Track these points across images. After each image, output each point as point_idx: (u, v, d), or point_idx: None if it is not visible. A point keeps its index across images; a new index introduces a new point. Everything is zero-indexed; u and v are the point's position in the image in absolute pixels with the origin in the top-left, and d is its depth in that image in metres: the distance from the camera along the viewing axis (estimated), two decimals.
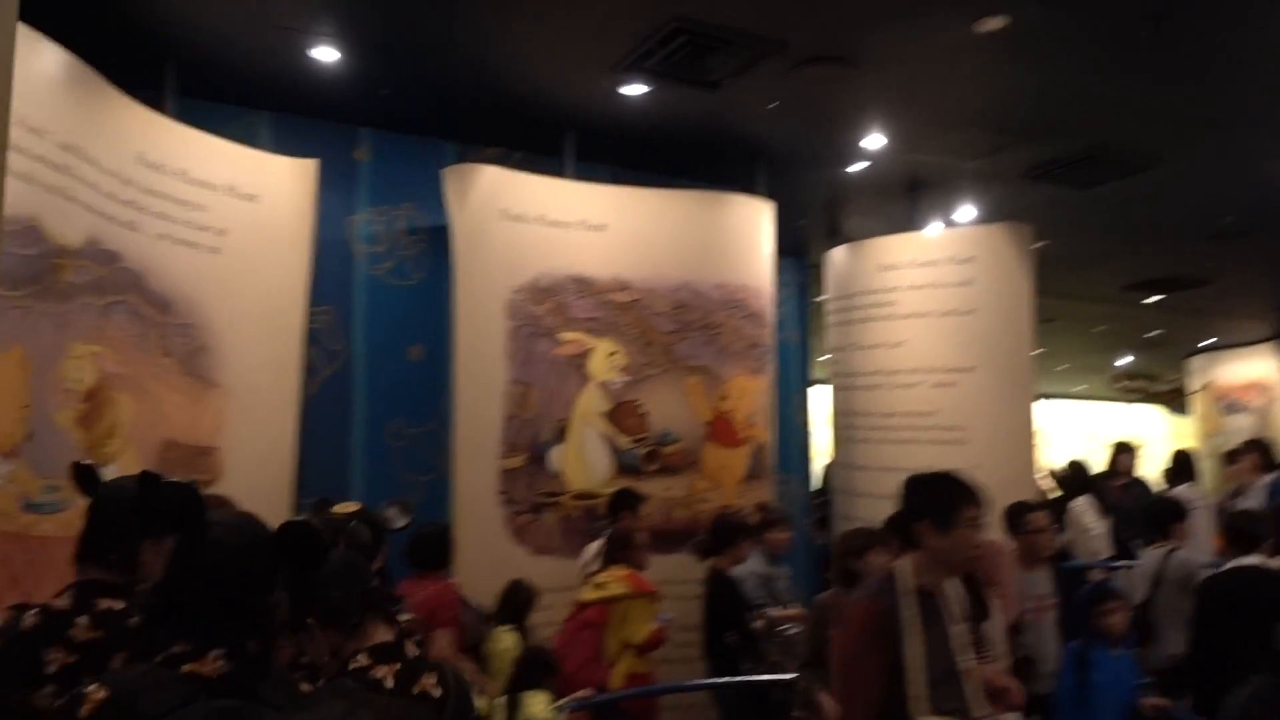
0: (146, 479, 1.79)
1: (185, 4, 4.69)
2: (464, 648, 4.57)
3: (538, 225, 5.85)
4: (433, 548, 4.61)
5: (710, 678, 5.13)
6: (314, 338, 5.71)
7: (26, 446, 4.00)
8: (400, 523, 2.79)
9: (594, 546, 5.35)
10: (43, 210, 4.08)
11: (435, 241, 6.04)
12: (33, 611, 2.17)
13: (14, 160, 3.90)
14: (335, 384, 5.85)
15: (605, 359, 5.98)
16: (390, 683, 1.90)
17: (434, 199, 5.78)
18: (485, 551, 5.48)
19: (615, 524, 5.39)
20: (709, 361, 6.32)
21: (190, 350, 5.04)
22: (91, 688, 1.55)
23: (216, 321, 5.16)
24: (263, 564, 1.66)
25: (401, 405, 5.98)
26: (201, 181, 5.11)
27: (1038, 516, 5.00)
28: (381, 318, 6.03)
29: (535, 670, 4.28)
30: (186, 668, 1.56)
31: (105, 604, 2.16)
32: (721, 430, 6.35)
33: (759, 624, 5.00)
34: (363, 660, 1.94)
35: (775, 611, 5.08)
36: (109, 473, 4.53)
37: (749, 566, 5.31)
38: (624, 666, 4.84)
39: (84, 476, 2.26)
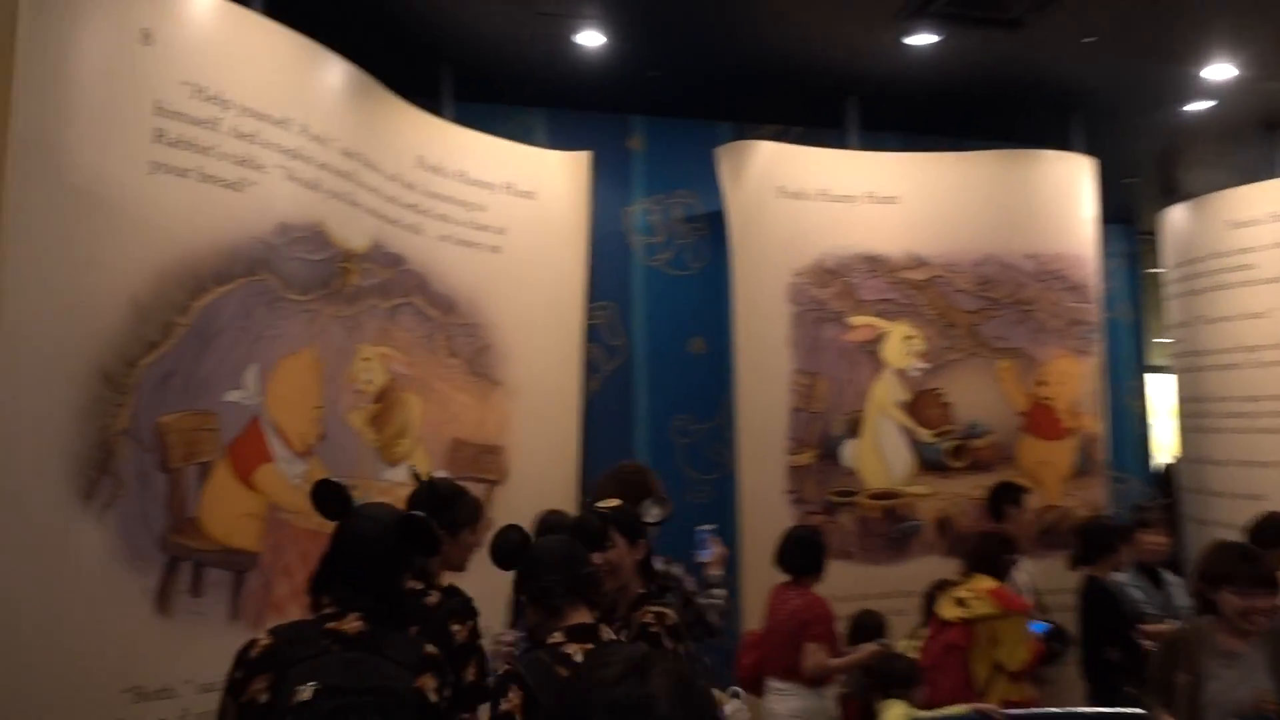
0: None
1: (456, 7, 4.69)
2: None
3: (820, 202, 5.40)
4: (803, 553, 4.31)
5: (1090, 700, 4.44)
6: (594, 334, 5.61)
7: (320, 446, 4.11)
8: (653, 516, 2.76)
9: None
10: (328, 216, 4.19)
11: (714, 228, 5.76)
12: None
13: (299, 168, 4.02)
14: (616, 380, 5.71)
15: (901, 344, 5.43)
16: (579, 659, 2.03)
17: (711, 184, 5.50)
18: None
19: (998, 522, 4.90)
20: (1022, 342, 5.58)
21: (475, 350, 5.07)
22: (262, 636, 2.05)
23: (499, 321, 5.16)
24: (386, 548, 2.08)
25: (684, 401, 5.74)
26: (480, 181, 5.13)
27: None
28: (661, 310, 5.82)
29: (892, 679, 3.91)
30: (329, 625, 2.01)
31: (410, 584, 2.54)
32: (1041, 420, 5.58)
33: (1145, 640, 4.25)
34: (558, 637, 2.11)
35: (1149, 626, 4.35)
36: (400, 470, 4.66)
37: (1124, 575, 4.63)
38: (996, 693, 4.23)
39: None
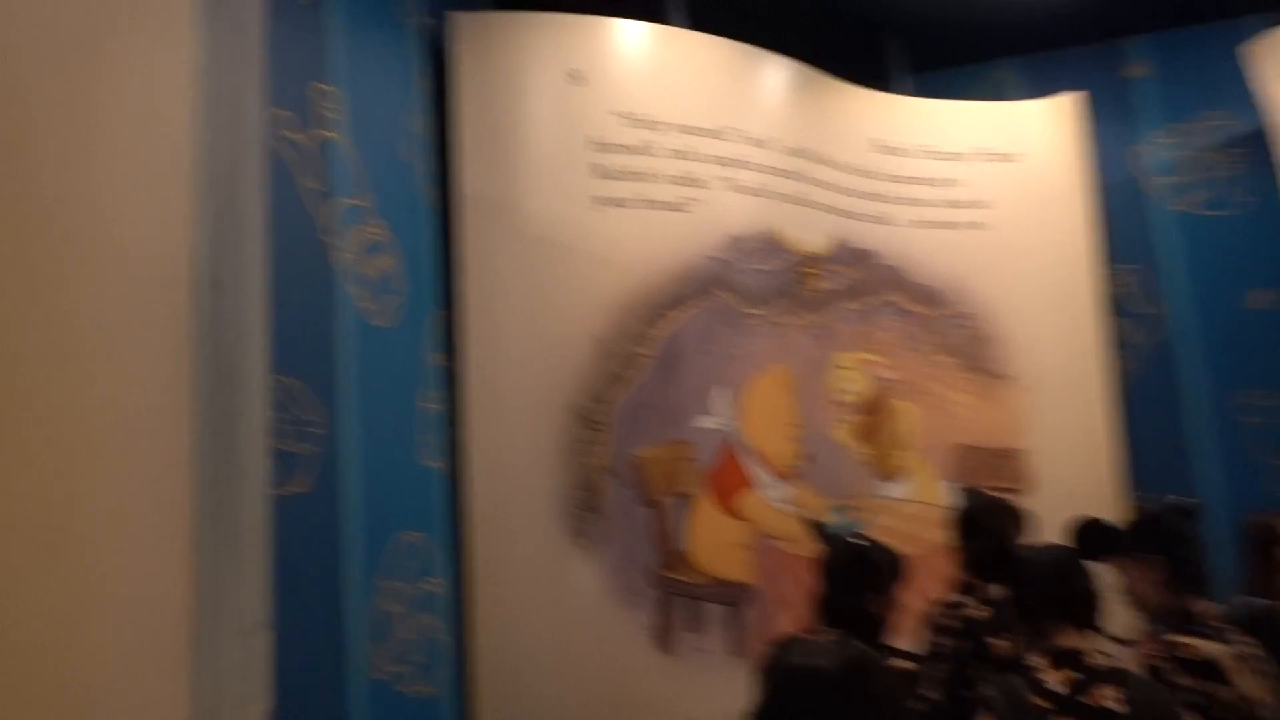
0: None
1: None
2: None
3: None
4: None
5: None
6: (1118, 305, 4.68)
7: (805, 467, 3.82)
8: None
9: None
10: (780, 221, 3.94)
11: (1258, 150, 4.55)
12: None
13: (742, 176, 3.83)
14: (1155, 356, 4.68)
15: None
16: (1060, 688, 1.85)
17: (1246, 96, 4.36)
18: None
19: None
20: None
21: (970, 343, 4.46)
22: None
23: (995, 306, 4.50)
24: (850, 573, 2.29)
25: (1250, 370, 4.53)
26: (948, 154, 4.56)
27: None
28: (1203, 263, 4.69)
29: None
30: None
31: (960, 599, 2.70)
32: None
33: None
34: (1038, 661, 1.93)
35: None
36: (901, 486, 4.20)
37: None
38: None
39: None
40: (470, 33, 3.47)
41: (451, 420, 3.32)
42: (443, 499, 3.25)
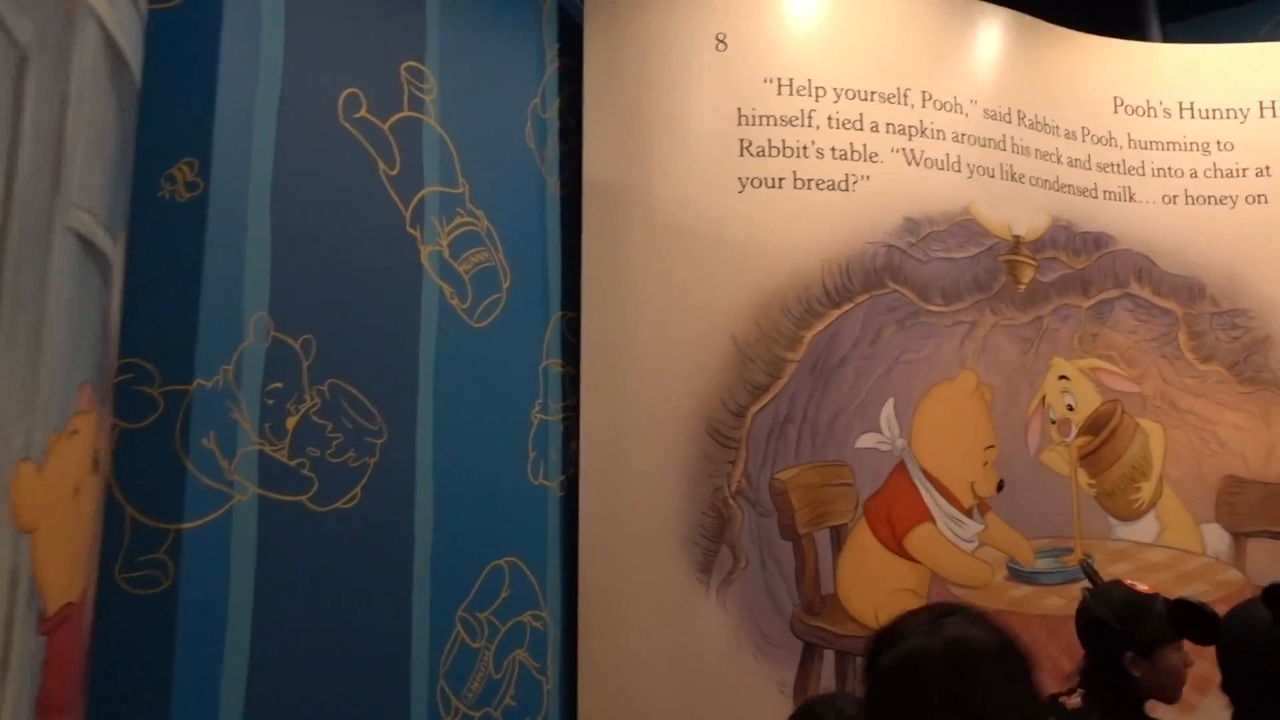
0: None
1: None
2: None
3: None
4: None
5: None
6: None
7: (1002, 499, 3.13)
8: None
9: None
10: (976, 198, 3.27)
11: None
12: None
13: (925, 147, 3.22)
14: None
15: None
16: None
17: None
18: None
19: None
20: None
21: (1244, 347, 3.55)
22: None
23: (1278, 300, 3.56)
24: (1095, 631, 2.07)
25: None
26: (1214, 111, 3.67)
27: None
28: None
29: None
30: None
31: None
32: None
33: None
34: None
35: None
36: (1144, 526, 3.39)
37: None
38: None
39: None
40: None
41: (574, 434, 2.96)
42: (556, 522, 2.90)
